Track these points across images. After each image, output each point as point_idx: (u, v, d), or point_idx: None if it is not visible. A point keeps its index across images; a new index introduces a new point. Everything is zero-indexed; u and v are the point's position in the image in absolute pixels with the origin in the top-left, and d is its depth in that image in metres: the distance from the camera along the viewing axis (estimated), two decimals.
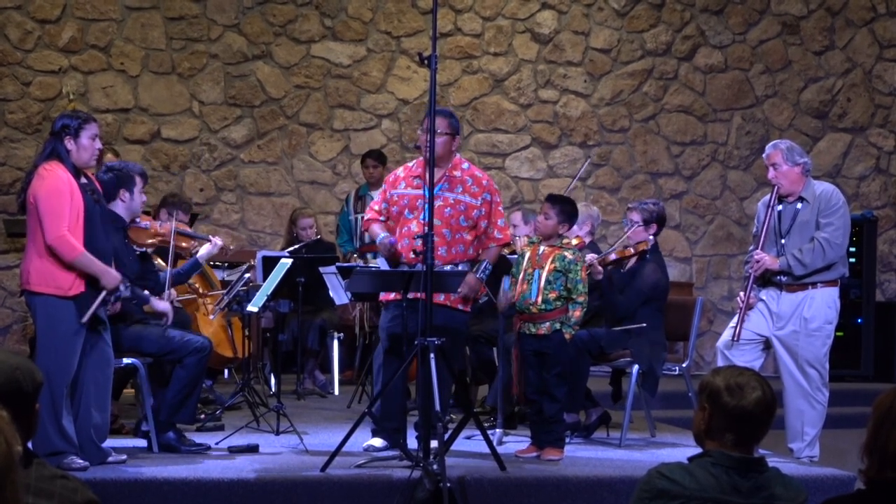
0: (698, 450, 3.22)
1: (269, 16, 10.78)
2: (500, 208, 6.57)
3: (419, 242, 5.97)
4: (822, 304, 6.61)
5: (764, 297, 6.69)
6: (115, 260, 6.08)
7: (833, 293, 6.65)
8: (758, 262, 6.60)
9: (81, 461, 5.61)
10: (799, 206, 6.65)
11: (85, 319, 5.62)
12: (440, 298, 6.22)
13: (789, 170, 6.62)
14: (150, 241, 6.77)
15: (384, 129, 10.91)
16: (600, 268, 6.79)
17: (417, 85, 10.92)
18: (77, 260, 5.58)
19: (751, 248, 6.91)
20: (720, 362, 6.63)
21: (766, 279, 6.70)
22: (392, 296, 6.43)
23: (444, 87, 10.90)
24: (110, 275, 5.70)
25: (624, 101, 11.21)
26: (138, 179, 6.40)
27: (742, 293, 6.72)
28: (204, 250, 6.98)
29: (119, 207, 6.36)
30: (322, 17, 10.85)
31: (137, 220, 6.67)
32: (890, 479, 2.89)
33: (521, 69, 11.10)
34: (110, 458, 5.81)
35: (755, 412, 3.12)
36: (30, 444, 2.81)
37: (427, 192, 6.23)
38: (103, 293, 5.69)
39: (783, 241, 6.64)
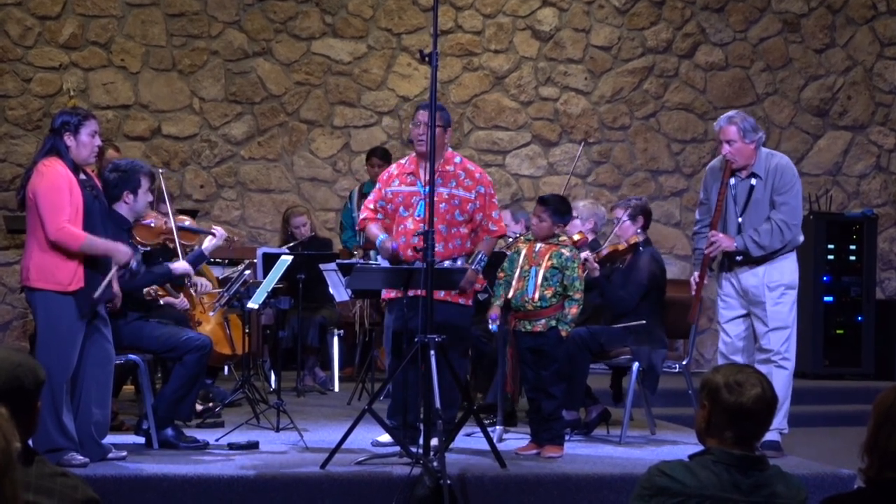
0: (699, 447, 3.22)
1: (270, 13, 10.78)
2: (493, 200, 6.56)
3: (416, 240, 5.97)
4: (784, 270, 6.56)
5: (731, 280, 6.64)
6: None
7: (792, 258, 6.61)
8: (713, 243, 6.57)
9: (81, 458, 5.61)
10: (753, 182, 6.55)
11: (97, 294, 5.64)
12: (440, 295, 6.22)
13: (744, 146, 6.51)
14: (156, 240, 6.83)
15: (385, 126, 10.91)
16: (596, 265, 6.79)
17: (418, 82, 10.92)
18: (83, 246, 5.58)
19: (697, 216, 6.89)
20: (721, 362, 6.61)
21: (713, 260, 6.68)
22: (394, 294, 6.44)
23: (445, 85, 10.89)
24: (120, 250, 5.73)
25: (624, 99, 11.21)
26: (144, 181, 6.37)
27: (696, 273, 6.67)
28: (208, 243, 7.00)
29: (122, 209, 6.36)
30: (323, 14, 10.85)
31: (143, 219, 6.70)
32: (890, 479, 2.89)
33: (522, 66, 11.10)
34: (110, 455, 5.81)
35: (754, 409, 3.12)
36: (30, 442, 2.81)
37: (421, 188, 6.25)
38: (114, 268, 5.74)
39: (740, 219, 6.57)
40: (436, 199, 6.29)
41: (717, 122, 6.66)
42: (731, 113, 6.71)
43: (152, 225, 6.84)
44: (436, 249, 6.15)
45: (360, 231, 6.80)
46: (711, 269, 6.77)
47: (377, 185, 6.74)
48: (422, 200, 6.39)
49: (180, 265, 6.63)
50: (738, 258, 6.57)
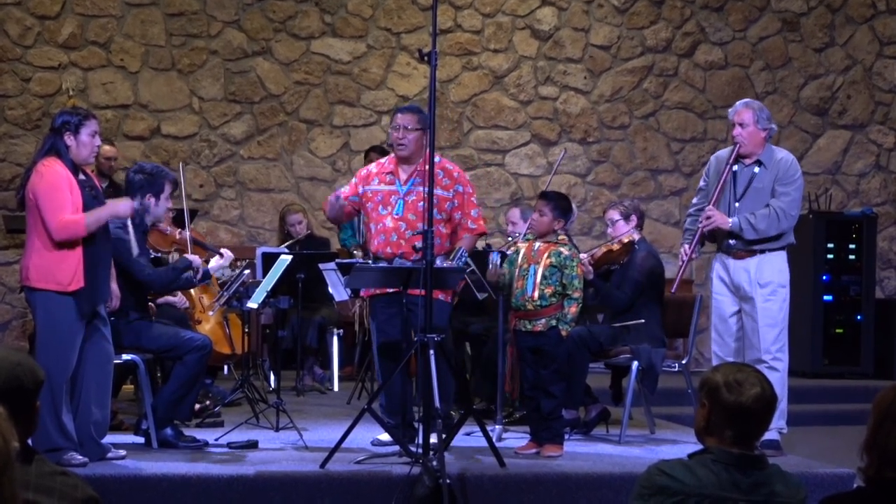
0: (698, 446, 3.23)
1: (269, 12, 10.77)
2: (472, 199, 6.60)
3: (418, 240, 5.99)
4: (775, 268, 6.55)
5: (723, 276, 6.65)
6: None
7: (783, 256, 6.60)
8: (708, 218, 6.55)
9: (81, 457, 5.62)
10: (756, 169, 6.55)
11: (135, 253, 6.00)
12: (418, 290, 6.17)
13: (756, 132, 6.52)
14: (168, 247, 6.91)
15: (384, 125, 10.90)
16: (590, 267, 6.79)
17: (417, 81, 10.92)
18: (88, 226, 5.61)
19: (694, 199, 6.88)
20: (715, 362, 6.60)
21: (705, 237, 6.66)
22: (372, 291, 6.48)
23: (444, 84, 10.89)
24: (118, 208, 5.79)
25: (624, 98, 11.21)
26: (167, 187, 6.42)
27: (686, 246, 6.67)
28: (214, 262, 7.03)
29: None
30: (322, 14, 10.85)
31: (161, 224, 6.76)
32: (889, 478, 2.89)
33: (521, 66, 11.09)
34: (110, 455, 5.82)
35: (754, 408, 3.12)
36: (30, 441, 2.82)
37: (399, 187, 6.26)
38: (129, 224, 5.96)
39: (737, 203, 6.56)
40: (414, 198, 6.40)
41: (734, 106, 6.68)
42: (748, 100, 6.76)
43: (167, 232, 6.91)
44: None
45: (347, 214, 6.81)
46: (699, 254, 6.76)
47: (353, 180, 6.76)
48: (400, 199, 6.46)
49: (192, 257, 6.66)
50: (732, 241, 6.57)
